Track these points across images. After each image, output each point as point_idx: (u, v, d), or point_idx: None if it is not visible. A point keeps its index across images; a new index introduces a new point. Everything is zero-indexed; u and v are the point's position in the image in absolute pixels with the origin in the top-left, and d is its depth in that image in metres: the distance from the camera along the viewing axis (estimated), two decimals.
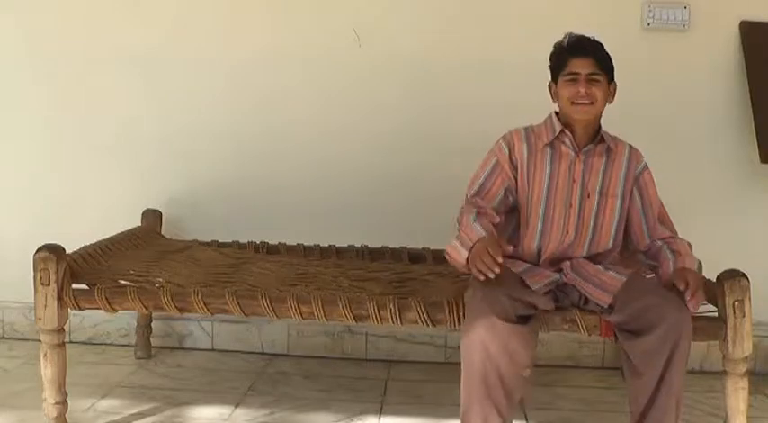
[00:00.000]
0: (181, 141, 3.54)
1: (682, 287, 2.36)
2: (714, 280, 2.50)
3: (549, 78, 2.64)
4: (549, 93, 2.64)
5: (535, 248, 2.60)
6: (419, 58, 3.43)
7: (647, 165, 2.66)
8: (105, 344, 3.63)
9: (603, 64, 2.56)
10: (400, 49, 3.44)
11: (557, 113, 2.64)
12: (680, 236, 2.65)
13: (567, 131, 2.58)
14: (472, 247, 2.40)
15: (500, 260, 2.31)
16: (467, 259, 2.40)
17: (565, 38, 2.61)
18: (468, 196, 2.63)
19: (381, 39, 3.44)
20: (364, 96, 3.47)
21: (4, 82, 3.59)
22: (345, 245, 3.38)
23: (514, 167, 2.61)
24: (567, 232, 2.58)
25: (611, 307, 2.44)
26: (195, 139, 3.54)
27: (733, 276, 2.46)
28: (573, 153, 2.59)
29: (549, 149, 2.60)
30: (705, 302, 2.53)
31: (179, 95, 3.53)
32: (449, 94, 3.43)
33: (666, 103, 3.40)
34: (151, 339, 3.52)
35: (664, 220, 2.68)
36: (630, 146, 2.66)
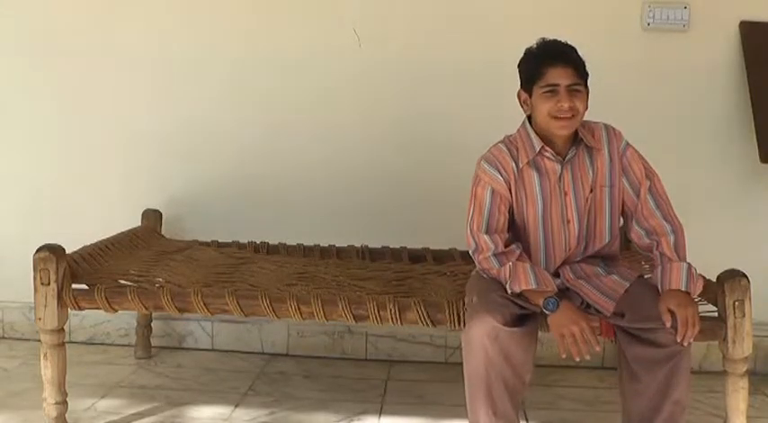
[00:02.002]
0: (181, 141, 3.54)
1: (668, 324, 2.26)
2: (714, 280, 2.50)
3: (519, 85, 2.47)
4: (518, 101, 2.48)
5: (541, 267, 2.50)
6: (419, 58, 3.42)
7: (627, 143, 2.50)
8: (105, 344, 3.63)
9: (582, 71, 2.40)
10: (400, 50, 3.43)
11: (529, 121, 2.48)
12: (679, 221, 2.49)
13: (547, 147, 2.44)
14: (551, 296, 2.33)
15: (598, 349, 2.30)
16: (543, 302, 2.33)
17: (536, 43, 2.44)
18: (480, 235, 2.46)
19: (381, 39, 3.43)
20: (364, 96, 3.47)
21: (4, 82, 3.59)
22: (345, 245, 3.38)
23: (508, 188, 2.47)
24: (570, 248, 2.52)
25: (613, 314, 2.40)
26: (195, 138, 3.54)
27: (733, 276, 2.45)
28: (558, 165, 2.45)
29: (533, 167, 2.46)
30: (705, 302, 2.53)
31: (179, 95, 3.53)
32: (449, 95, 3.43)
33: (666, 103, 3.39)
34: (151, 339, 3.52)
35: (659, 199, 2.49)
36: (606, 126, 2.51)
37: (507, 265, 2.41)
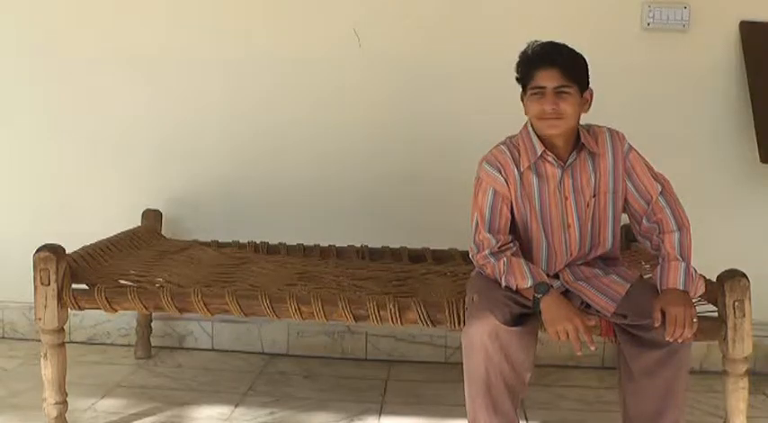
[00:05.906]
0: (180, 141, 3.54)
1: (656, 323, 2.26)
2: (714, 280, 2.50)
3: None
4: (522, 104, 2.48)
5: (543, 270, 2.49)
6: (420, 58, 3.42)
7: (630, 145, 2.49)
8: (105, 344, 3.63)
9: (572, 73, 2.36)
10: (400, 50, 3.43)
11: (532, 125, 2.47)
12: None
13: (548, 152, 2.43)
14: (546, 290, 2.35)
15: (593, 348, 2.37)
16: (535, 295, 2.36)
17: (529, 46, 2.43)
18: (481, 234, 2.47)
19: (381, 39, 3.43)
20: (364, 96, 3.47)
21: (4, 82, 3.59)
22: (345, 245, 3.37)
23: (509, 189, 2.47)
24: (572, 254, 2.51)
25: (615, 315, 2.40)
26: (195, 139, 3.54)
27: (733, 276, 2.45)
28: (559, 170, 2.45)
29: (533, 171, 2.46)
30: (705, 302, 2.53)
31: (179, 95, 3.53)
32: (449, 94, 3.43)
33: (666, 104, 3.39)
34: (151, 339, 3.52)
35: (669, 199, 2.47)
36: (609, 130, 2.49)
37: (502, 260, 2.42)
